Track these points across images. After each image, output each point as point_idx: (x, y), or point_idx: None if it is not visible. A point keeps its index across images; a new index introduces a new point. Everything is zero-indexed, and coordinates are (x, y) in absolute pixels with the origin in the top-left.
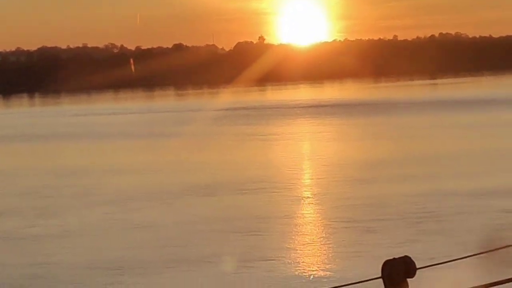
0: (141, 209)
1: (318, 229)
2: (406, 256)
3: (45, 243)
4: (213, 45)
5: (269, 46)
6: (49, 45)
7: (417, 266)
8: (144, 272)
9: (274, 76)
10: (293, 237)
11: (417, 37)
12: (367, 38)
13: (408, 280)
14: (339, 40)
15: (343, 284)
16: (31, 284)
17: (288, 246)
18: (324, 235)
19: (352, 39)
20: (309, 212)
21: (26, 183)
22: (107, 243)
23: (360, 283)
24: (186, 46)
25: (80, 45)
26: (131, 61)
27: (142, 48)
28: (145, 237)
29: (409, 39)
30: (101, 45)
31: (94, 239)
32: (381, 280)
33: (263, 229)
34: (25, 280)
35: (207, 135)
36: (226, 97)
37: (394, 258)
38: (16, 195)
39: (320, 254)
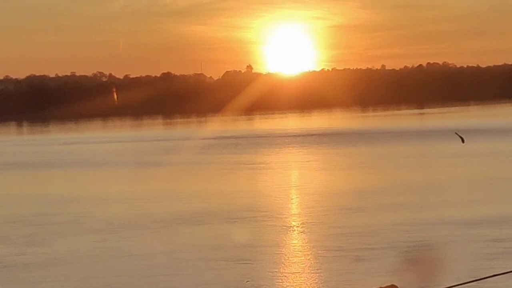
0: (131, 237)
1: (308, 257)
2: (393, 285)
3: (35, 271)
4: (201, 74)
5: (257, 75)
6: (37, 74)
7: None
8: None
9: (262, 105)
10: (283, 265)
11: (405, 67)
12: (355, 68)
13: None
14: (327, 70)
15: None
16: None
17: (278, 275)
18: (313, 263)
19: (340, 69)
20: (298, 240)
21: (14, 211)
22: (97, 271)
23: None
24: (174, 75)
25: (69, 74)
26: (114, 90)
27: (131, 76)
28: (135, 266)
29: (397, 68)
30: (89, 74)
31: (84, 267)
32: None
33: (253, 258)
34: None
35: (196, 164)
36: (215, 126)
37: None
38: (5, 223)
39: (309, 282)
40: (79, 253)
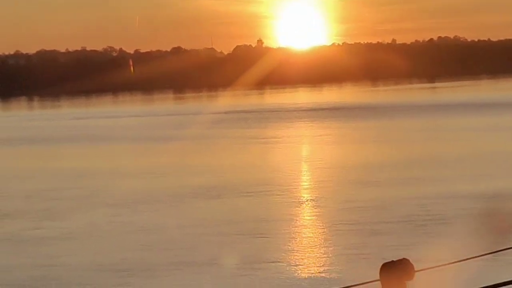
0: (146, 212)
1: (323, 231)
2: (404, 259)
3: (50, 245)
4: (212, 48)
5: (268, 49)
6: (47, 48)
7: (416, 269)
8: (151, 274)
9: (272, 80)
10: (298, 239)
11: (416, 41)
12: (365, 42)
13: (407, 282)
14: (338, 44)
15: (341, 286)
16: (37, 286)
17: (292, 249)
18: (328, 237)
19: (350, 43)
20: (312, 214)
21: (28, 186)
22: (112, 245)
23: (358, 286)
24: (184, 49)
25: (79, 48)
26: (130, 62)
27: (141, 51)
28: (150, 240)
29: (408, 42)
30: (99, 49)
31: (100, 241)
32: (379, 282)
33: (267, 232)
34: (32, 281)
35: (207, 138)
36: (225, 100)
37: (392, 261)
38: (20, 198)
39: (323, 256)
40: (94, 227)
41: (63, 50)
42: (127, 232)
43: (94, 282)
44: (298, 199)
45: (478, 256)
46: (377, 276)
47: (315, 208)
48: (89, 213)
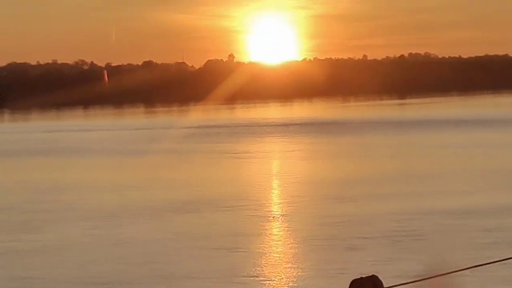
0: (123, 225)
1: (297, 246)
2: (373, 275)
3: (28, 258)
4: (183, 62)
5: (239, 64)
6: (18, 61)
7: (385, 286)
8: (129, 287)
9: (244, 94)
10: (272, 254)
11: (387, 57)
12: (336, 57)
13: None
14: (309, 59)
15: None
16: None
17: (267, 263)
18: (302, 252)
19: (322, 58)
20: (289, 229)
21: (3, 199)
22: (90, 258)
23: None
24: (156, 63)
25: (50, 61)
26: (105, 73)
27: (112, 64)
28: (128, 253)
29: (379, 58)
30: (71, 62)
31: (77, 254)
32: None
33: (243, 246)
34: None
35: (180, 152)
36: (197, 115)
37: (361, 277)
38: None
39: (298, 271)
40: (71, 240)
41: (34, 63)
42: (105, 246)
43: None
44: (273, 214)
45: (456, 271)
46: None
47: (290, 223)
48: (66, 226)
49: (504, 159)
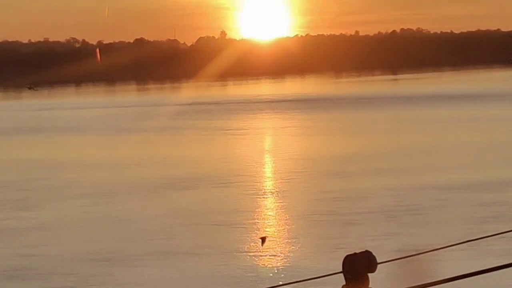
0: (120, 202)
1: (299, 222)
2: (367, 251)
3: (26, 236)
4: (175, 40)
5: (231, 41)
6: (10, 39)
7: (378, 261)
8: (130, 264)
9: (236, 71)
10: (274, 230)
11: (379, 33)
12: (328, 34)
13: (370, 275)
14: (301, 35)
15: (303, 279)
16: (18, 276)
17: (270, 239)
18: (305, 228)
19: (313, 35)
20: (288, 205)
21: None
22: (89, 235)
23: (322, 278)
24: (147, 40)
25: (42, 39)
26: (97, 51)
27: (104, 42)
28: (126, 230)
29: (371, 34)
30: (62, 40)
31: (75, 231)
32: (342, 275)
33: (241, 222)
34: (12, 271)
35: (173, 129)
36: (189, 92)
37: (355, 253)
38: None
39: (303, 247)
40: (69, 218)
41: (25, 41)
42: (103, 223)
43: (74, 272)
44: (270, 190)
45: (445, 247)
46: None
47: (287, 199)
48: (63, 204)
49: (498, 133)
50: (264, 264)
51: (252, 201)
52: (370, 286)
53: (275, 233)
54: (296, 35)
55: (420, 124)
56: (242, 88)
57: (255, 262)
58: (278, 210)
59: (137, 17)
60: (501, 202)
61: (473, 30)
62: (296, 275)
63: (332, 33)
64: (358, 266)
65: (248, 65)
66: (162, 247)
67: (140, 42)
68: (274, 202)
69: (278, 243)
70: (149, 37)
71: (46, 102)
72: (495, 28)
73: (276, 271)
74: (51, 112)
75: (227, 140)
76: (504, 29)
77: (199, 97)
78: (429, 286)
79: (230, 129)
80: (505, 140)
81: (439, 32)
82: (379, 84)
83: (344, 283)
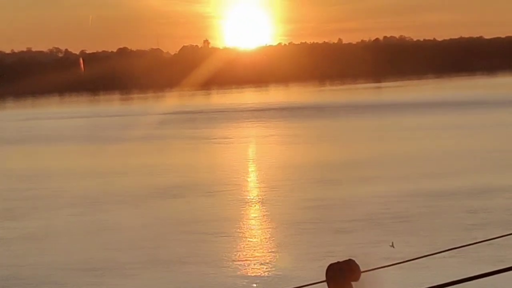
0: (108, 211)
1: (288, 230)
2: (350, 260)
3: (13, 245)
4: (158, 49)
5: (214, 50)
6: None
7: (362, 270)
8: (119, 273)
9: (219, 80)
10: (263, 238)
11: (362, 41)
12: (311, 42)
13: (353, 283)
14: (284, 44)
15: (290, 287)
16: (7, 286)
17: (259, 248)
18: (294, 236)
19: (297, 43)
20: (275, 213)
21: None
22: (78, 245)
23: (305, 287)
24: (130, 50)
25: (25, 49)
26: (81, 61)
27: (87, 52)
28: (114, 239)
29: (354, 42)
30: (45, 49)
31: (63, 241)
32: (325, 283)
33: (229, 231)
34: (1, 281)
35: (158, 138)
36: (172, 101)
37: (338, 262)
38: None
39: (283, 254)
40: (57, 227)
41: (8, 51)
42: (91, 232)
43: (63, 281)
44: (257, 198)
45: (433, 254)
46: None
47: (273, 207)
48: (50, 213)
49: (483, 140)
50: (250, 273)
51: (239, 210)
52: None
53: (262, 242)
54: (279, 43)
55: (404, 131)
56: (226, 97)
57: (242, 271)
58: (264, 219)
59: (120, 26)
60: (488, 208)
61: (456, 37)
62: (282, 284)
63: (315, 41)
64: (341, 274)
65: (231, 74)
66: (150, 256)
67: (123, 51)
68: (261, 211)
69: (265, 251)
70: (132, 46)
71: (29, 112)
72: (477, 36)
73: (262, 279)
74: (34, 122)
75: (212, 149)
76: (487, 36)
77: (183, 106)
78: None
79: (215, 138)
80: (491, 147)
81: (421, 39)
82: (362, 92)
83: None
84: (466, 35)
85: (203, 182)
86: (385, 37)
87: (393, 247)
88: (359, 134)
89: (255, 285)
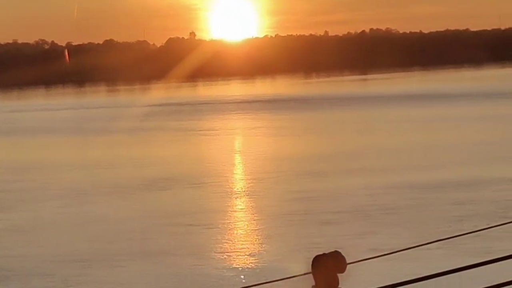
0: (95, 203)
1: (275, 222)
2: (336, 251)
3: (2, 237)
4: (144, 41)
5: (201, 42)
6: None
7: (348, 261)
8: (107, 264)
9: (205, 72)
10: (250, 230)
11: (348, 33)
12: (298, 34)
13: (339, 275)
14: (270, 36)
15: (274, 279)
16: None
17: (246, 240)
18: (281, 228)
19: (283, 35)
20: (262, 205)
21: None
22: (65, 236)
23: (291, 278)
24: (117, 42)
25: (11, 41)
26: (66, 53)
27: (73, 44)
28: (102, 231)
29: (340, 34)
30: (31, 41)
31: (51, 233)
32: (311, 275)
33: (216, 223)
34: None
35: (144, 130)
36: (159, 93)
37: (324, 254)
38: None
39: (270, 246)
40: (44, 219)
41: None
42: (78, 224)
43: (52, 272)
44: (244, 190)
45: (419, 246)
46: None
47: (261, 199)
48: (37, 205)
49: (469, 132)
50: (237, 264)
51: (225, 202)
52: (339, 286)
53: (249, 233)
54: (266, 35)
55: (391, 123)
56: (212, 89)
57: (228, 262)
58: (251, 210)
59: (106, 18)
60: (475, 200)
61: (442, 30)
62: (268, 275)
63: (302, 33)
64: (327, 266)
65: (218, 66)
66: (139, 248)
67: (109, 43)
68: (248, 202)
69: (252, 243)
70: (119, 38)
71: (15, 104)
72: (463, 28)
73: (249, 271)
74: (20, 114)
75: (199, 140)
76: (473, 28)
77: (170, 98)
78: (404, 285)
79: (202, 130)
80: (477, 139)
81: (408, 32)
82: (349, 84)
83: (313, 283)
84: (452, 27)
85: (189, 174)
86: (371, 29)
87: None
88: (345, 126)
89: (242, 276)
